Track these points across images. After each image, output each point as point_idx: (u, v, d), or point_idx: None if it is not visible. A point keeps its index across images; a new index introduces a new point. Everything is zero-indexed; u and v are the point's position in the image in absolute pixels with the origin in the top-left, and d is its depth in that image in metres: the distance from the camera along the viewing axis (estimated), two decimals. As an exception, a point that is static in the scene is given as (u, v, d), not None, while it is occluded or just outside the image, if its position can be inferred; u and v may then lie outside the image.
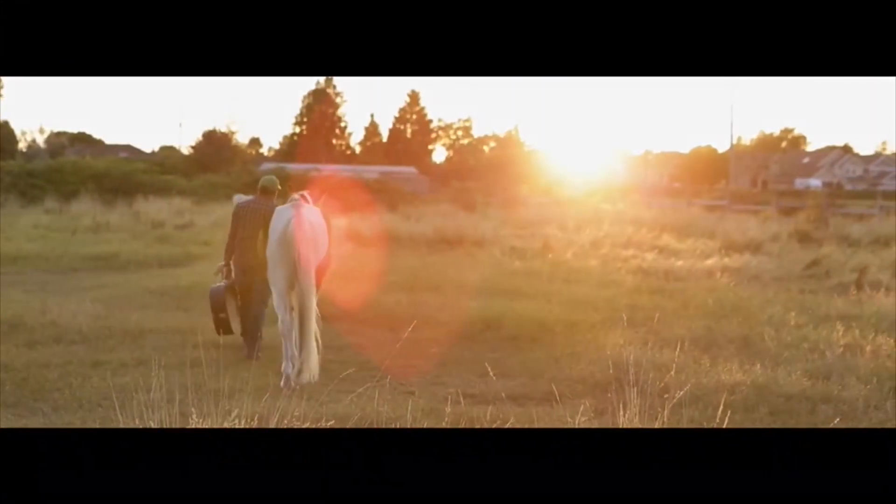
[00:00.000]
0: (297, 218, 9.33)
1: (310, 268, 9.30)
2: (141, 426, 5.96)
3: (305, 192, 10.22)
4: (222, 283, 10.57)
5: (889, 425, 7.44)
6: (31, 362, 9.42)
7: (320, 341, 9.39)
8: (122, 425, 6.16)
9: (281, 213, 9.57)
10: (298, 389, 8.07)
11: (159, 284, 15.20)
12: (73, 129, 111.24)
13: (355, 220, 26.76)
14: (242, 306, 10.62)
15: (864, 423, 7.53)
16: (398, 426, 6.74)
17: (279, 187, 10.80)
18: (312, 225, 9.49)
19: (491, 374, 7.75)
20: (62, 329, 11.09)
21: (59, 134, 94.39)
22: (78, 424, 7.37)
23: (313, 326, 9.24)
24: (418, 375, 9.41)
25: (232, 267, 10.65)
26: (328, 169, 59.54)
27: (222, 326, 10.45)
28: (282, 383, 9.02)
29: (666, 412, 6.17)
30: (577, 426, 6.32)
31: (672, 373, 8.37)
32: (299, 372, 9.15)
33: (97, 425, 7.26)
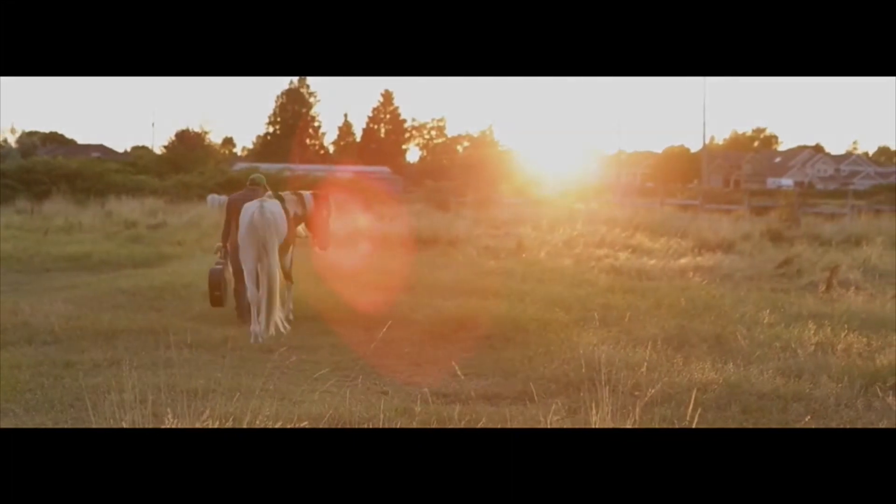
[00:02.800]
0: (261, 209, 11.17)
1: (272, 248, 11.18)
2: (114, 426, 5.93)
3: (306, 193, 12.65)
4: (220, 265, 12.57)
5: (860, 423, 7.48)
6: (3, 363, 9.33)
7: (289, 305, 12.09)
8: (94, 426, 6.13)
9: (248, 206, 11.33)
10: (272, 388, 8.06)
11: (132, 284, 15.09)
12: (44, 128, 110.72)
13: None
14: (234, 281, 12.42)
15: (835, 421, 7.57)
16: (371, 426, 6.75)
17: (265, 183, 12.47)
18: (274, 214, 11.28)
19: (464, 373, 7.75)
20: (34, 330, 11.01)
21: (30, 134, 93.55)
22: (50, 425, 7.31)
23: (276, 293, 11.21)
24: (392, 375, 9.40)
25: (228, 248, 12.42)
26: (301, 168, 59.55)
27: (216, 301, 12.53)
28: (251, 340, 10.81)
29: (638, 410, 6.19)
30: (549, 425, 6.34)
31: (644, 371, 8.40)
32: (266, 328, 11.07)
33: (69, 426, 7.22)
